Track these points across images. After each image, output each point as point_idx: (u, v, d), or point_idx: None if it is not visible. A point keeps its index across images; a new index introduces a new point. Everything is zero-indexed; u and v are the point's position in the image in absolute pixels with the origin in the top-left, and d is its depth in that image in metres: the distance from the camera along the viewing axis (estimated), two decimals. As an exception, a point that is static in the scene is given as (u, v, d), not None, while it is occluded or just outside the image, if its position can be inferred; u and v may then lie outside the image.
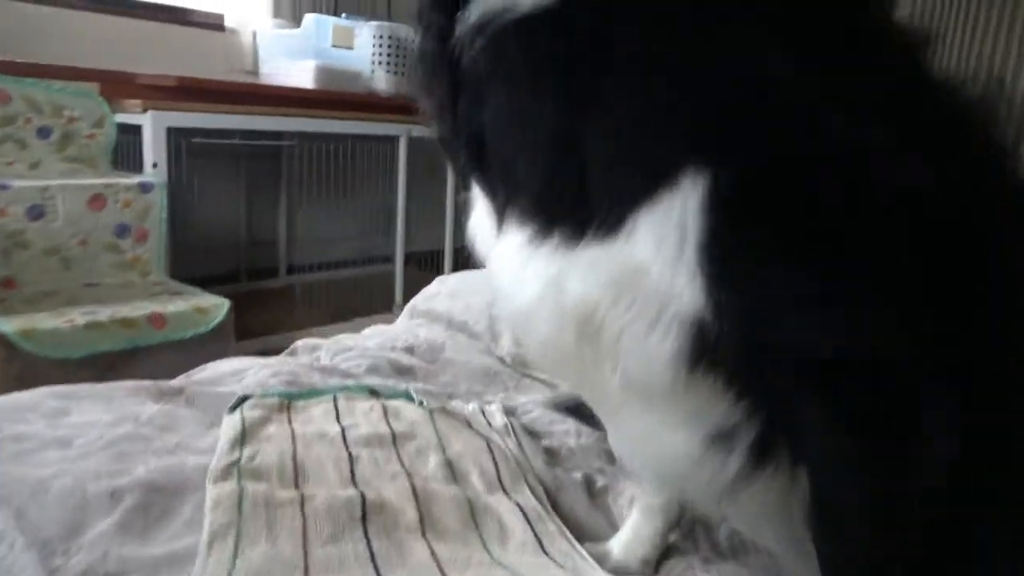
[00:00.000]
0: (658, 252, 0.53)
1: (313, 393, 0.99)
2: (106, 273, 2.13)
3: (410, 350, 1.28)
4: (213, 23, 3.22)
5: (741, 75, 0.51)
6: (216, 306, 2.00)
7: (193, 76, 2.61)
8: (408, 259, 3.78)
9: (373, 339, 1.33)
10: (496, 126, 0.61)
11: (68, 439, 0.84)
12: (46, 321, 1.74)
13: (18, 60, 2.38)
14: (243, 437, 0.84)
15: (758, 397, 0.58)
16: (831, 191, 0.50)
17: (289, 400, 0.97)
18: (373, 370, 1.16)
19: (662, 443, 0.65)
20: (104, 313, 1.83)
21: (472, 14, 0.63)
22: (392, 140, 3.09)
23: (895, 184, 0.51)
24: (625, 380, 0.60)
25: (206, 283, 2.87)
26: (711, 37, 0.51)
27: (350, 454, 0.84)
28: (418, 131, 3.09)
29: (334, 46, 2.99)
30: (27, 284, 1.96)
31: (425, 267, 3.59)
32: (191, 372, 1.17)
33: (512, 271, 0.63)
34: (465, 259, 3.59)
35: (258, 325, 2.73)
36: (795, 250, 0.51)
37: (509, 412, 1.04)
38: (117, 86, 2.42)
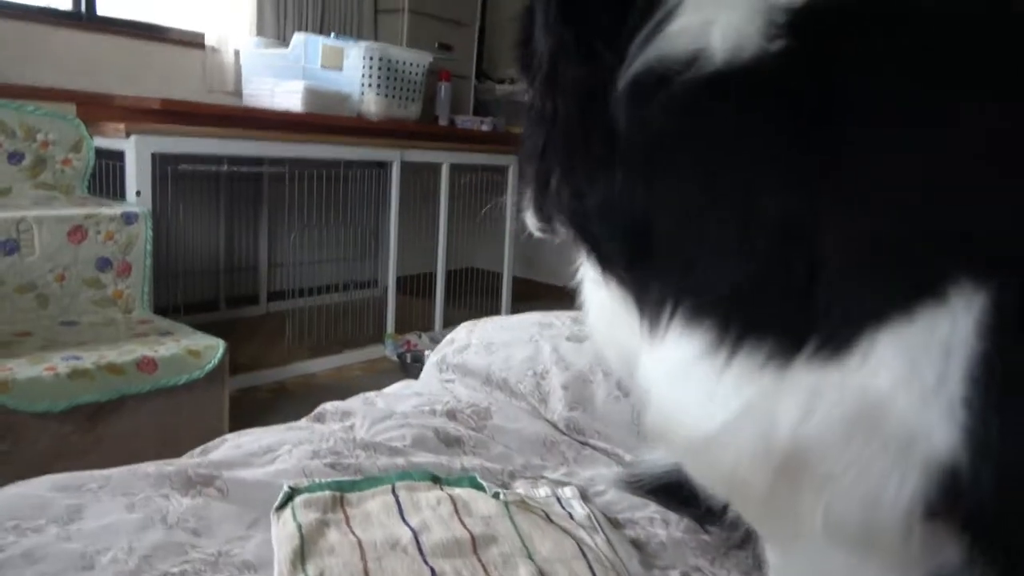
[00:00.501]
0: (908, 381, 0.42)
1: (368, 483, 0.86)
2: (86, 310, 1.96)
3: (452, 415, 1.15)
4: (193, 41, 3.06)
5: None
6: (210, 348, 1.84)
7: (176, 98, 2.45)
8: (396, 283, 3.64)
9: (407, 400, 1.20)
10: (675, 208, 0.50)
11: (90, 556, 0.70)
12: (25, 369, 1.57)
13: (-13, 79, 2.20)
14: (303, 552, 0.71)
15: (1000, 542, 0.47)
16: None
17: (342, 492, 0.84)
18: (419, 443, 1.04)
19: None
20: (88, 358, 1.67)
21: (637, 65, 0.52)
22: (384, 165, 2.96)
23: None
24: (833, 521, 0.49)
25: (183, 312, 2.71)
26: (1004, 109, 0.41)
27: (432, 569, 0.71)
28: (409, 156, 2.97)
29: (323, 67, 2.85)
30: (-1, 326, 1.79)
31: (411, 292, 3.45)
32: (209, 446, 1.03)
33: (687, 388, 0.51)
34: (456, 284, 3.49)
35: (243, 357, 2.57)
36: None
37: (583, 495, 0.93)
38: (95, 108, 2.25)
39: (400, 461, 0.97)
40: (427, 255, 3.34)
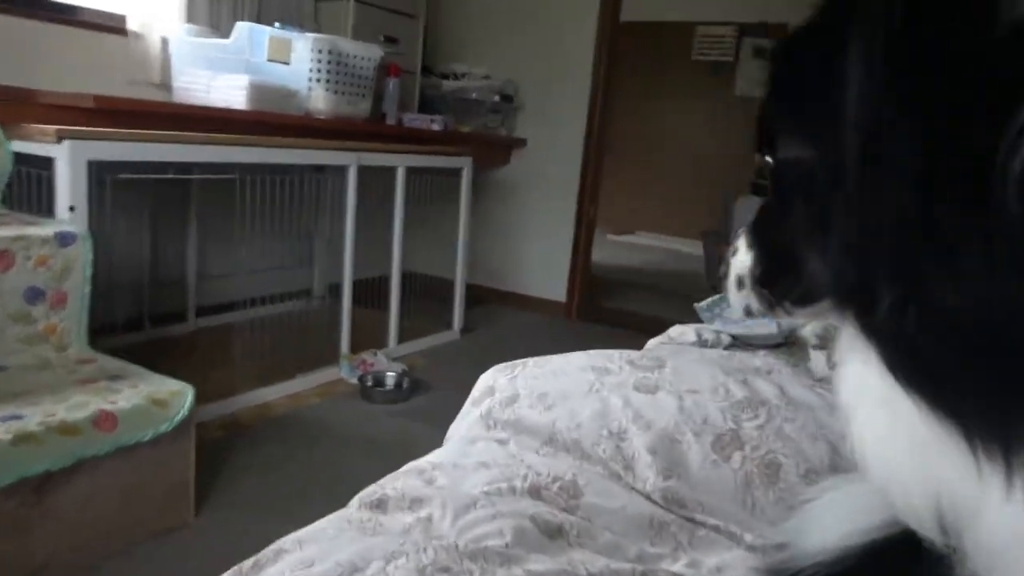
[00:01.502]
0: None
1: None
2: (12, 350, 1.65)
3: (536, 492, 0.99)
4: (113, 25, 2.70)
5: None
6: (176, 395, 1.58)
7: (111, 95, 2.12)
8: (332, 292, 3.40)
9: (475, 474, 1.02)
10: None
11: None
12: (-46, 437, 1.28)
13: None
14: None
15: None
16: None
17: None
18: (521, 538, 0.86)
19: None
20: (32, 417, 1.38)
21: None
22: (322, 169, 2.71)
23: None
24: None
25: (104, 332, 2.38)
26: None
27: None
28: (367, 160, 2.73)
29: (269, 60, 2.57)
30: (-90, 378, 1.46)
31: (354, 302, 3.21)
32: (261, 560, 0.82)
33: None
34: (402, 291, 3.26)
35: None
36: None
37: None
38: (12, 106, 1.91)
39: (518, 572, 0.79)
40: (370, 262, 3.10)
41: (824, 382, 1.51)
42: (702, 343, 1.79)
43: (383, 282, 3.19)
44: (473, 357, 3.36)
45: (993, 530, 0.46)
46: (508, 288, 4.21)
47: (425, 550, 0.80)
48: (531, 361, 1.34)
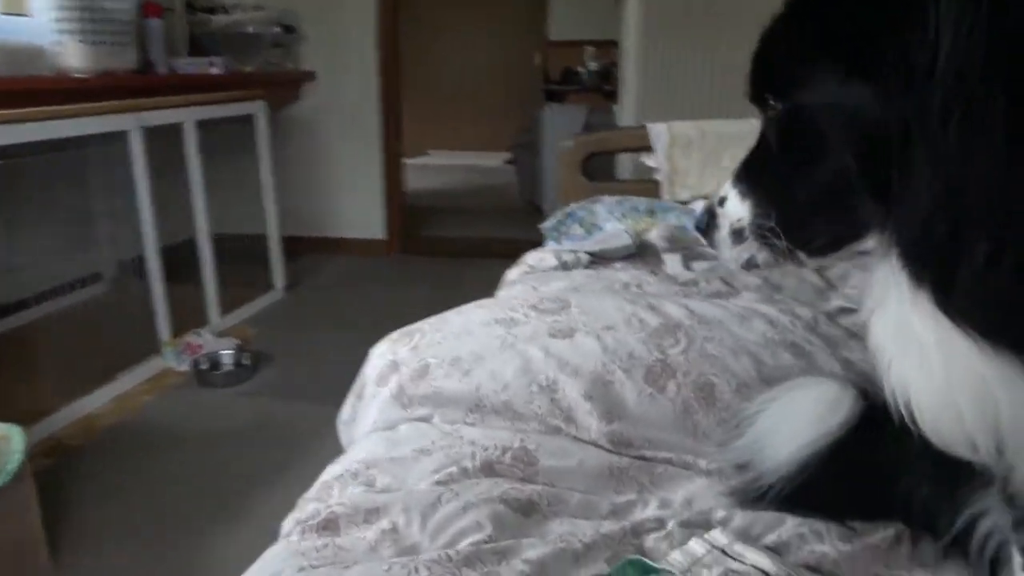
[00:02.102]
0: None
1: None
2: None
3: (490, 469, 0.93)
4: None
5: None
6: (4, 439, 1.32)
7: None
8: (127, 269, 3.04)
9: (415, 464, 0.95)
10: None
11: None
12: None
13: None
14: None
15: None
16: None
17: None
18: (500, 525, 0.81)
19: None
20: None
21: None
22: (119, 137, 2.33)
23: None
24: None
25: None
26: None
27: None
28: (150, 119, 2.38)
29: (5, 13, 2.11)
30: None
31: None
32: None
33: None
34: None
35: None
36: None
37: (746, 535, 0.80)
38: None
39: (519, 565, 0.74)
40: (167, 231, 2.76)
41: (689, 285, 1.57)
42: (563, 266, 1.79)
43: (188, 250, 2.86)
44: (305, 316, 3.17)
45: None
46: (325, 234, 3.98)
47: (417, 570, 0.73)
48: (426, 325, 1.26)
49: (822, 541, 0.81)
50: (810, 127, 0.55)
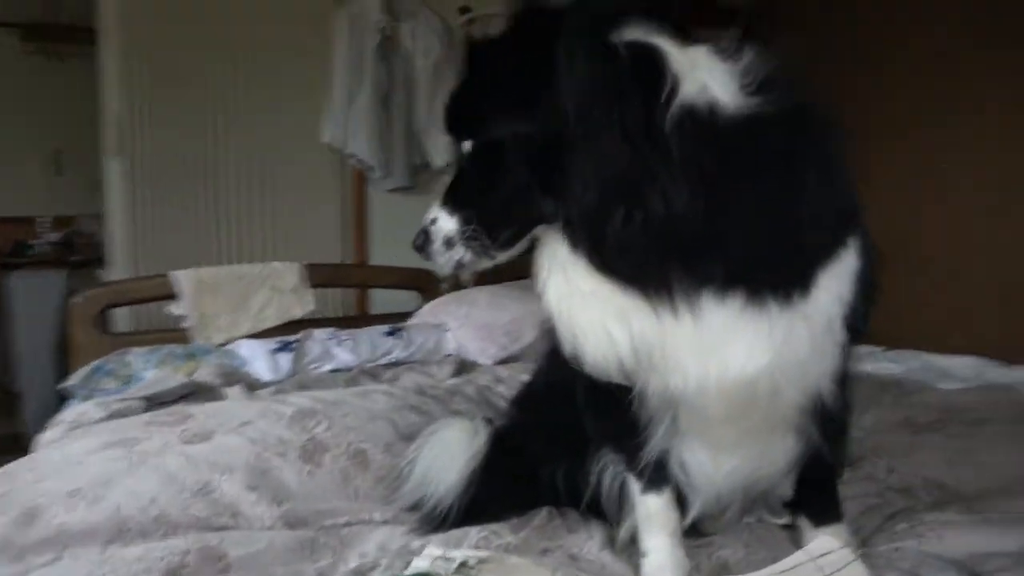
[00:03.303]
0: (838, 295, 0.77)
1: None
2: None
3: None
4: None
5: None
6: None
7: None
8: None
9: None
10: (721, 210, 0.72)
11: None
12: None
13: None
14: None
15: None
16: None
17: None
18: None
19: (782, 453, 0.86)
20: None
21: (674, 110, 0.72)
22: None
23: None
24: (794, 404, 0.80)
25: None
26: None
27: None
28: None
29: None
30: None
31: None
32: None
33: (731, 343, 0.72)
34: None
35: None
36: None
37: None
38: None
39: None
40: None
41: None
42: (115, 415, 1.64)
43: None
44: None
45: (673, 344, 0.74)
46: None
47: None
48: (7, 471, 1.04)
49: (500, 536, 0.96)
50: (495, 154, 0.76)
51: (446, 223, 0.79)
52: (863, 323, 0.86)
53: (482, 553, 0.87)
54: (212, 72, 2.81)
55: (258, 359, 2.10)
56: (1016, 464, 1.12)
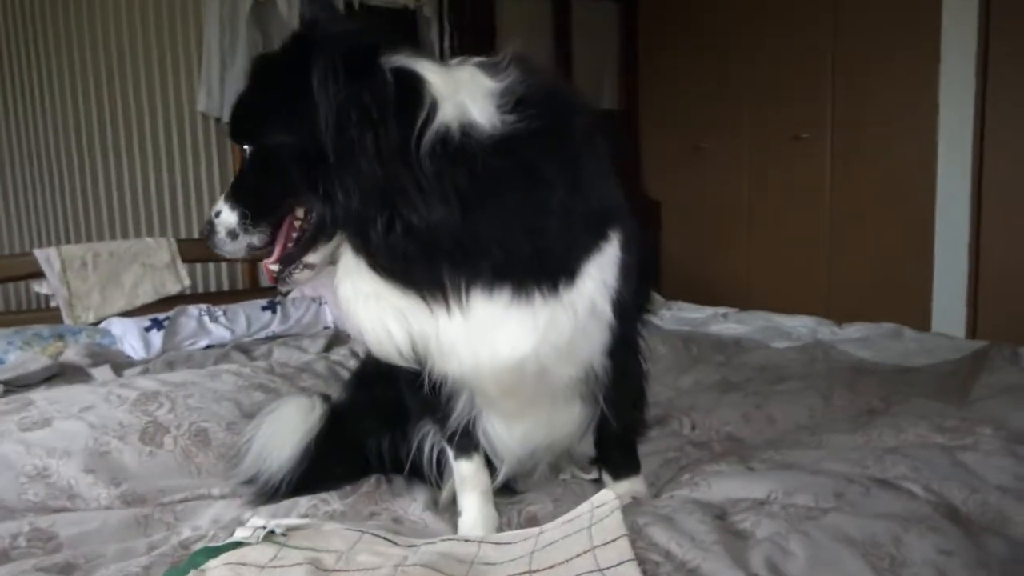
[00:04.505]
0: (602, 284, 0.87)
1: None
2: None
3: (4, 556, 0.88)
4: None
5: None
6: None
7: None
8: None
9: None
10: (479, 223, 0.80)
11: None
12: None
13: None
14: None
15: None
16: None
17: None
18: None
19: (569, 419, 0.97)
20: None
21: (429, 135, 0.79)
22: None
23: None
24: (567, 378, 0.91)
25: None
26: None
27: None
28: None
29: None
30: None
31: None
32: None
33: (500, 331, 0.82)
34: None
35: None
36: None
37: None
38: None
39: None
40: None
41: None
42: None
43: None
44: None
45: (446, 335, 0.83)
46: None
47: None
48: None
49: (329, 504, 1.05)
50: (270, 157, 0.83)
51: (228, 216, 0.85)
52: (644, 299, 0.97)
53: (301, 521, 0.95)
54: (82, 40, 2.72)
55: (130, 337, 2.10)
56: (795, 417, 1.28)
